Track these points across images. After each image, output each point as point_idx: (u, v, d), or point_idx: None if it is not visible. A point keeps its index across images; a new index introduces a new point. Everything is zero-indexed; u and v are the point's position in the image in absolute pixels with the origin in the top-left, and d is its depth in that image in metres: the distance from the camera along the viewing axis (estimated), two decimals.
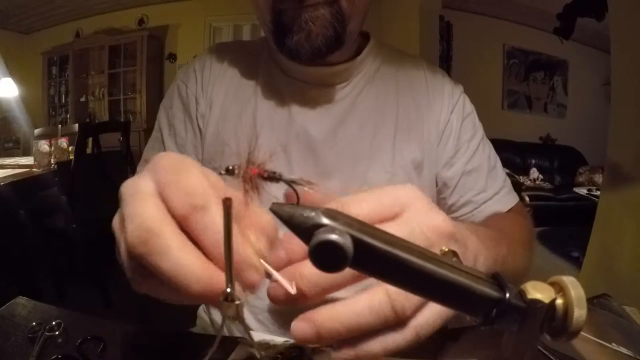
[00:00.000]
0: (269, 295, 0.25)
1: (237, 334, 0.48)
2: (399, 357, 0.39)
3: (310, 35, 0.46)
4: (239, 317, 0.22)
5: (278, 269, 0.25)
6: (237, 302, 0.22)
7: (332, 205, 0.26)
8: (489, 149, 0.61)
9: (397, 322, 0.25)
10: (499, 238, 0.41)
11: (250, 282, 0.22)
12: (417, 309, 0.25)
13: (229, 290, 0.21)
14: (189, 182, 0.22)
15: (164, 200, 0.22)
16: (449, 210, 0.60)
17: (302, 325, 0.24)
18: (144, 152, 0.63)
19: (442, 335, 0.44)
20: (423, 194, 0.27)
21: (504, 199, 0.59)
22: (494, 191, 0.58)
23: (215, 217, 0.21)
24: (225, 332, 0.61)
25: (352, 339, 0.25)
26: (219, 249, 0.20)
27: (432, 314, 0.25)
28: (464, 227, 0.34)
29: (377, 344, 0.25)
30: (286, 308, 0.55)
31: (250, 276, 0.22)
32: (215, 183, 0.24)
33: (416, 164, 0.55)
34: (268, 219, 0.25)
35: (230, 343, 0.39)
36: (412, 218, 0.26)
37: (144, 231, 0.20)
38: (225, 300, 0.22)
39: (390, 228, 0.22)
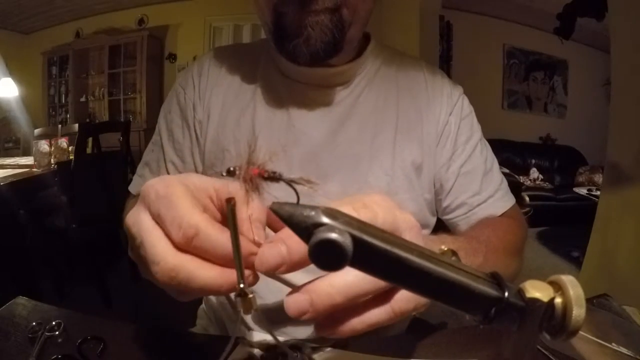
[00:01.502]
0: (257, 262, 0.25)
1: (238, 334, 0.48)
2: (400, 358, 0.39)
3: (309, 41, 0.46)
4: (254, 308, 0.24)
5: (278, 265, 0.25)
6: (250, 295, 0.24)
7: None
8: (486, 152, 0.60)
9: (389, 286, 0.26)
10: (475, 248, 0.43)
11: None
12: None
13: (241, 285, 0.24)
14: (177, 214, 0.25)
15: (164, 231, 0.25)
16: (444, 212, 0.60)
17: (295, 297, 0.25)
18: (144, 154, 0.63)
19: (442, 335, 0.44)
20: (391, 199, 0.30)
21: (499, 203, 0.59)
22: (488, 194, 0.58)
23: (208, 237, 0.24)
24: (229, 332, 0.61)
25: (334, 317, 0.26)
26: (222, 259, 0.24)
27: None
28: (432, 236, 0.36)
29: (357, 321, 0.26)
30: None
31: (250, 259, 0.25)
32: (207, 186, 0.28)
33: (416, 166, 0.55)
34: (255, 205, 0.27)
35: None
36: (383, 210, 0.28)
37: (169, 271, 0.24)
38: (238, 296, 0.24)
39: (361, 211, 0.25)
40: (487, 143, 0.61)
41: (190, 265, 0.24)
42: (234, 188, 0.26)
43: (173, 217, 0.25)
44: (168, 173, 0.59)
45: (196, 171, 0.58)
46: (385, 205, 0.28)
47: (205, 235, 0.24)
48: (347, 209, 0.24)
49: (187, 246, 0.24)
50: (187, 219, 0.24)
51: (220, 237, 0.24)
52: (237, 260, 0.23)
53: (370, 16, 0.52)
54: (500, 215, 0.58)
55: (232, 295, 0.25)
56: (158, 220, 0.26)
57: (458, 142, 0.58)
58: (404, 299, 0.26)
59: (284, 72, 0.56)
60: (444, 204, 0.59)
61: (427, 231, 0.59)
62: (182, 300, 0.28)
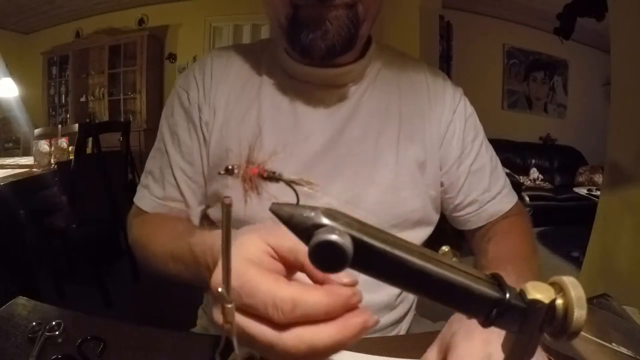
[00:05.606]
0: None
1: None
2: (395, 357, 0.39)
3: (326, 35, 0.46)
4: (230, 320, 0.23)
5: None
6: (229, 305, 0.23)
7: None
8: (490, 150, 0.63)
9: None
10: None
11: None
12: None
13: (220, 290, 0.23)
14: (266, 295, 0.24)
15: (259, 319, 0.25)
16: (455, 209, 0.62)
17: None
18: (146, 164, 0.61)
19: None
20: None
21: (506, 199, 0.61)
22: (497, 191, 0.61)
23: (306, 303, 0.24)
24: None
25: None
26: (329, 314, 0.24)
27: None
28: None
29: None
30: None
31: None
32: (260, 246, 0.27)
33: (419, 163, 0.56)
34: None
35: (230, 343, 0.39)
36: None
37: (291, 347, 0.24)
38: (219, 297, 0.23)
39: None
40: (489, 142, 0.63)
41: (306, 333, 0.24)
42: (291, 241, 0.25)
43: (263, 300, 0.24)
44: (176, 180, 0.56)
45: (203, 173, 0.57)
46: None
47: (304, 303, 0.24)
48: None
49: (291, 320, 0.24)
50: (280, 295, 0.24)
51: (317, 298, 0.24)
52: (225, 263, 0.22)
53: (378, 15, 0.52)
54: (507, 212, 0.61)
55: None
56: (249, 310, 0.25)
57: (466, 141, 0.59)
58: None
59: (288, 71, 0.55)
60: (456, 202, 0.61)
61: (430, 228, 0.59)
62: None
